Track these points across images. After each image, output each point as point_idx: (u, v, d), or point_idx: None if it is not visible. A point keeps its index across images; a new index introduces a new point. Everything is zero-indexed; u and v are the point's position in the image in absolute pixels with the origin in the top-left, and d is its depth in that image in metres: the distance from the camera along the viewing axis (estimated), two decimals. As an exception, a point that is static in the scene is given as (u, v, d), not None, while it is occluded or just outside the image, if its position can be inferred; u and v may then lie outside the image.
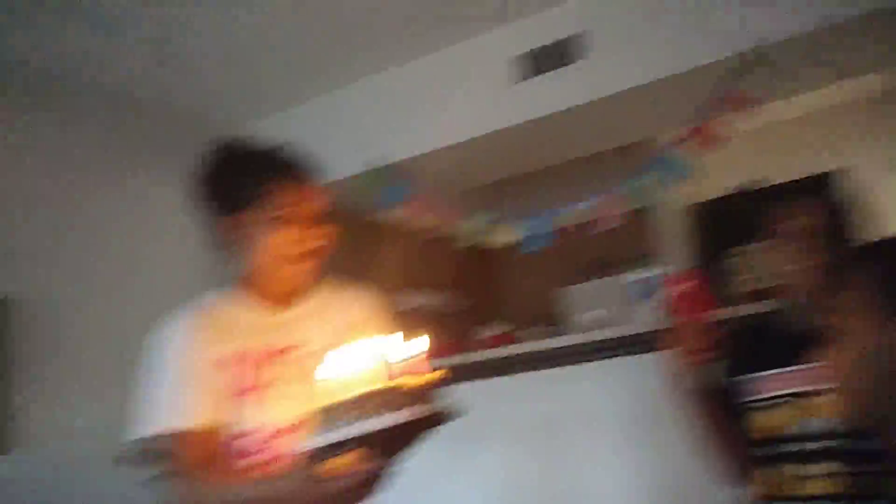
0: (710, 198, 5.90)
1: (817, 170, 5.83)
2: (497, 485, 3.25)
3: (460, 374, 3.23)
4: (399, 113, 3.71)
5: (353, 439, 0.93)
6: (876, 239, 0.96)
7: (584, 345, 3.15)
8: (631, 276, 3.22)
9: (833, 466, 1.16)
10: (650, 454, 3.01)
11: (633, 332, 3.05)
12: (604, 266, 6.11)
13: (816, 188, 1.42)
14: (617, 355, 3.07)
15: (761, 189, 4.92)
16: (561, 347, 3.19)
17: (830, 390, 1.18)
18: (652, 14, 3.15)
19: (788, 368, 1.27)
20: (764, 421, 1.26)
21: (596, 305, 4.05)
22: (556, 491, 3.13)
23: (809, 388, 1.21)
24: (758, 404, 1.28)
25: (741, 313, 2.63)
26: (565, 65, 3.25)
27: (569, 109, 3.29)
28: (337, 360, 1.01)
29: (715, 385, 1.26)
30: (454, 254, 5.87)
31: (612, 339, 3.08)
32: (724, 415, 1.24)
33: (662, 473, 2.98)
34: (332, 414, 0.95)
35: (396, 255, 5.04)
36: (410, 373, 0.96)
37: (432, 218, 3.49)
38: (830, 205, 1.36)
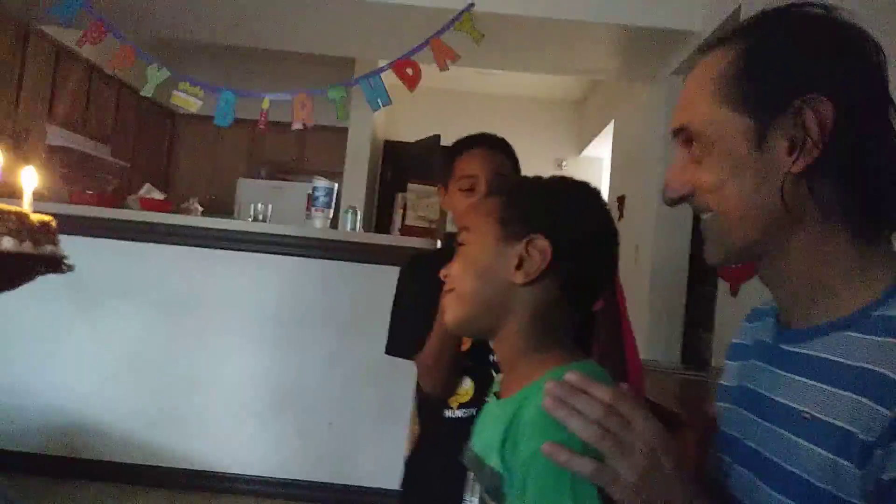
0: (398, 139, 6.27)
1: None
2: (127, 349, 3.10)
3: (102, 229, 3.00)
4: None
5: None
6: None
7: (246, 233, 3.12)
8: (317, 183, 3.27)
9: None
10: (285, 349, 3.13)
11: (300, 235, 3.12)
12: (289, 169, 6.13)
13: (502, 145, 1.48)
14: (277, 253, 3.12)
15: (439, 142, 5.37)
16: (221, 230, 3.11)
17: None
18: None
19: None
20: None
21: (269, 202, 4.04)
22: (183, 366, 3.11)
23: None
24: None
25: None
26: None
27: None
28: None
29: None
30: (133, 105, 5.32)
31: (277, 236, 3.11)
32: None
33: (290, 369, 3.13)
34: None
35: (62, 81, 4.38)
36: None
37: (115, 54, 3.10)
38: (513, 162, 1.46)
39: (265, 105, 3.12)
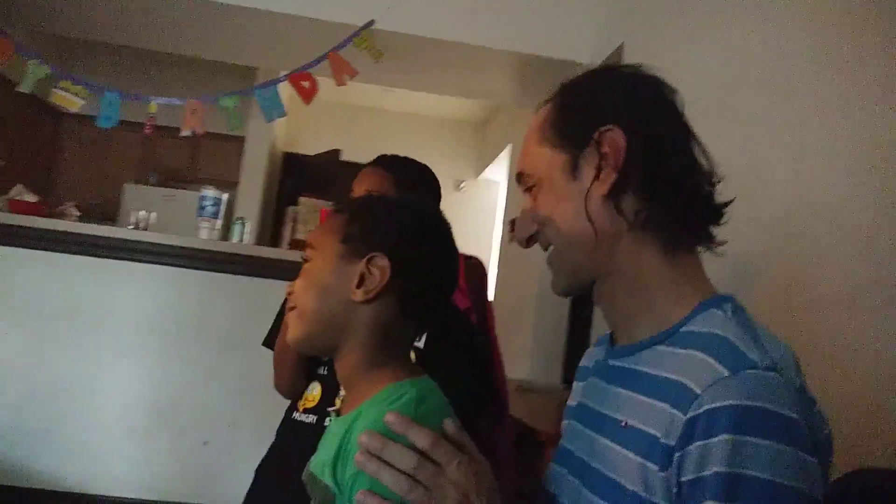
0: (299, 151, 6.21)
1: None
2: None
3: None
4: None
5: None
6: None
7: (122, 241, 2.99)
8: (205, 192, 3.16)
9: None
10: (162, 363, 3.01)
11: (181, 245, 3.02)
12: (181, 176, 5.91)
13: (385, 162, 1.48)
14: (158, 263, 3.01)
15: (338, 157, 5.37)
16: (94, 236, 2.96)
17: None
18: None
19: None
20: None
21: (160, 209, 3.90)
22: (51, 379, 2.92)
23: None
24: None
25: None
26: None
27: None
28: None
29: None
30: (12, 101, 4.99)
31: (156, 245, 2.99)
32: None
33: (167, 385, 3.00)
34: None
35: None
36: None
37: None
38: (397, 179, 1.44)
39: (152, 109, 3.02)
